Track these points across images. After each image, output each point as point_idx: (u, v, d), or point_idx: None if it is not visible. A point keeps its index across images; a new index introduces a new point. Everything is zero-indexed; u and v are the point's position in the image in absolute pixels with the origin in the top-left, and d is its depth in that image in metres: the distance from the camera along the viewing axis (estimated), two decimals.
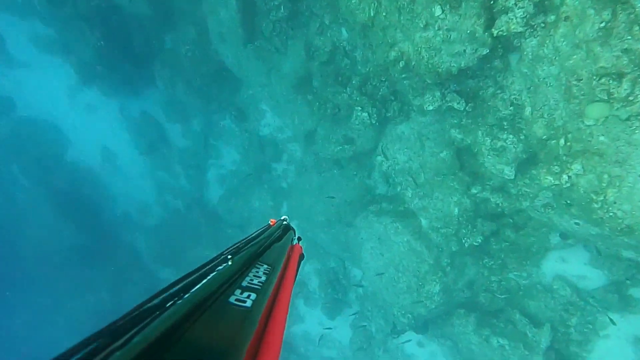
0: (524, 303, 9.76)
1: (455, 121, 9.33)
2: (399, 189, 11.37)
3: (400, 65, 8.89)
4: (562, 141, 6.26)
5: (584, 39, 5.46)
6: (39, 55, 19.76)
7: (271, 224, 2.02)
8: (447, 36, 7.42)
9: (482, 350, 10.32)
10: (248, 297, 1.09)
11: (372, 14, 8.65)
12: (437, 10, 7.21)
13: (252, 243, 1.56)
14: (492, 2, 6.58)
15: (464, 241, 9.88)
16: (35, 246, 20.59)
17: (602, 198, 5.79)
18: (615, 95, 5.32)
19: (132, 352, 0.70)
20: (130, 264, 20.40)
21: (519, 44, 6.85)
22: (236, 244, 1.51)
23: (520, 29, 6.47)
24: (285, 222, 2.10)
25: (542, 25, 6.25)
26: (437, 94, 8.98)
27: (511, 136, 8.07)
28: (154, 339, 0.76)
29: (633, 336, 8.28)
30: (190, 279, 1.11)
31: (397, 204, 11.71)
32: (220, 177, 18.03)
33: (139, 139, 19.22)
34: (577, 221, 7.02)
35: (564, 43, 5.78)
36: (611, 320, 8.23)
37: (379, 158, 11.62)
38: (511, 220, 9.59)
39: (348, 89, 11.42)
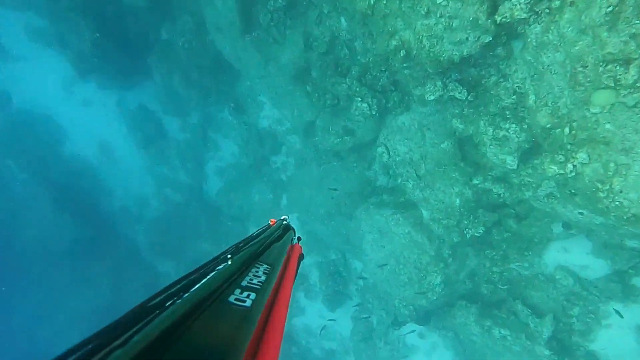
0: (525, 293, 9.73)
1: (457, 111, 9.20)
2: (399, 181, 11.28)
3: (401, 55, 8.75)
4: (566, 130, 6.16)
5: (590, 24, 5.33)
6: (34, 48, 19.49)
7: (271, 223, 2.02)
8: (449, 24, 7.28)
9: (484, 341, 10.32)
10: (248, 296, 1.09)
11: (372, 2, 8.48)
12: None
13: (251, 243, 1.57)
14: None
15: (465, 232, 9.81)
16: (33, 240, 20.49)
17: (607, 187, 5.71)
18: (622, 82, 5.21)
19: (131, 351, 0.70)
20: (130, 257, 20.34)
21: (523, 31, 6.72)
22: (236, 243, 1.52)
23: (524, 15, 6.34)
24: (285, 222, 2.11)
25: (547, 11, 6.11)
26: (439, 83, 8.85)
27: (514, 125, 7.97)
28: (154, 338, 0.76)
29: (636, 325, 8.26)
30: (189, 278, 1.10)
31: (397, 196, 11.63)
32: (219, 170, 17.90)
33: (137, 132, 19.05)
34: (581, 211, 6.94)
35: (570, 29, 5.66)
36: (617, 312, 8.18)
37: (380, 149, 11.50)
38: (513, 211, 9.51)
39: (347, 79, 11.27)
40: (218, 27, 13.63)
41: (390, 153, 11.25)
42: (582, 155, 5.92)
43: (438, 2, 7.12)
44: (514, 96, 7.63)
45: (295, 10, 12.05)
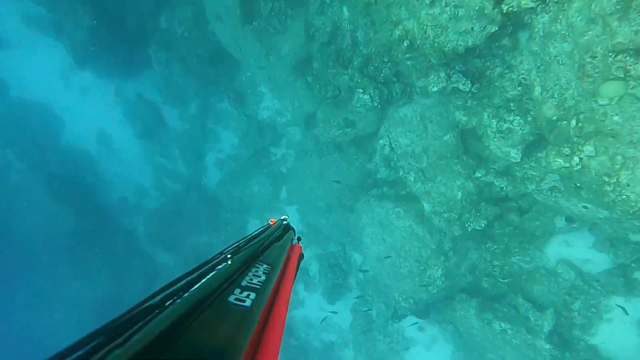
0: (527, 287, 9.68)
1: (460, 103, 9.07)
2: (401, 173, 11.19)
3: (405, 45, 8.61)
4: (573, 122, 6.05)
5: (600, 13, 5.20)
6: (30, 35, 19.25)
7: (271, 223, 2.02)
8: (455, 13, 7.14)
9: (484, 335, 10.30)
10: (247, 296, 1.09)
11: None
12: None
13: (251, 242, 1.57)
14: None
15: (467, 226, 9.74)
16: (31, 230, 20.40)
17: (614, 180, 5.62)
18: (632, 73, 5.10)
19: (131, 351, 0.70)
20: (129, 248, 20.27)
21: (530, 21, 6.58)
22: (236, 243, 1.51)
23: (531, 5, 6.21)
24: (285, 222, 2.10)
25: None
26: (442, 74, 8.71)
27: (518, 118, 7.85)
28: (154, 337, 0.76)
29: (637, 320, 8.23)
30: (189, 278, 1.10)
31: (399, 188, 11.55)
32: (218, 161, 17.78)
33: (135, 122, 18.87)
34: (585, 204, 6.86)
35: (579, 18, 5.53)
36: (623, 309, 8.14)
37: (381, 142, 11.39)
38: (515, 204, 9.44)
39: (349, 70, 11.12)
40: (218, 16, 13.43)
41: (392, 145, 11.14)
42: (588, 148, 5.82)
43: None
44: (519, 88, 7.51)
45: (296, 0, 11.87)
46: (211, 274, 1.13)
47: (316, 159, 13.72)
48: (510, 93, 7.77)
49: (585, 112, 5.85)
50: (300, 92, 12.89)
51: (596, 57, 5.39)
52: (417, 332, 12.98)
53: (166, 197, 19.63)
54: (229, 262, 1.24)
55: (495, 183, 9.17)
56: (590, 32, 5.37)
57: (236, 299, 1.05)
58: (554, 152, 6.54)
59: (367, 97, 10.93)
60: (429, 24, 7.64)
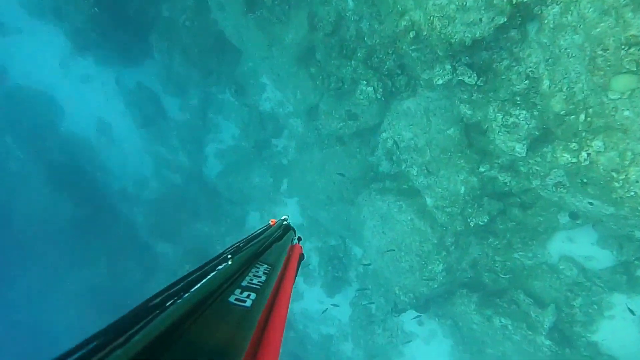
0: (528, 283, 9.64)
1: (465, 96, 8.95)
2: (403, 167, 11.10)
3: (411, 36, 8.46)
4: (582, 116, 5.95)
5: (613, 4, 5.07)
6: (30, 21, 19.00)
7: (271, 223, 2.03)
8: (463, 3, 7.00)
9: (484, 330, 10.28)
10: (248, 296, 1.10)
11: None
12: None
13: (252, 243, 1.57)
14: None
15: (469, 220, 9.67)
16: (30, 218, 20.35)
17: (623, 177, 5.52)
18: None
19: (132, 351, 0.70)
20: (128, 238, 20.20)
21: (540, 12, 6.44)
22: (236, 243, 1.52)
23: None
24: (285, 222, 2.12)
25: None
26: (448, 67, 8.58)
27: (524, 112, 7.74)
28: (154, 337, 0.76)
29: (639, 317, 8.18)
30: (190, 278, 1.10)
31: (401, 182, 11.46)
32: (219, 152, 17.66)
33: (136, 111, 18.68)
34: (591, 201, 6.77)
35: (591, 9, 5.40)
36: (630, 310, 8.07)
37: (384, 135, 11.28)
38: (519, 200, 9.36)
39: (353, 62, 10.96)
40: (220, 5, 13.23)
41: (395, 138, 11.03)
42: (597, 143, 5.72)
43: None
44: (527, 81, 7.38)
45: None
46: (212, 274, 1.13)
47: (318, 151, 13.61)
48: (517, 86, 7.65)
49: (594, 107, 5.74)
50: (302, 84, 12.75)
51: (608, 49, 5.27)
52: (416, 326, 12.97)
53: (166, 188, 19.53)
54: (230, 263, 1.24)
55: (499, 178, 9.08)
56: (602, 24, 5.24)
57: (236, 299, 1.06)
58: (561, 147, 6.44)
59: (370, 89, 10.80)
60: (435, 14, 7.49)
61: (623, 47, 5.11)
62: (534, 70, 7.08)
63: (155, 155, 19.45)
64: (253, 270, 1.32)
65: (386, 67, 10.62)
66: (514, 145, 8.06)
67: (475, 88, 8.58)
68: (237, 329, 0.93)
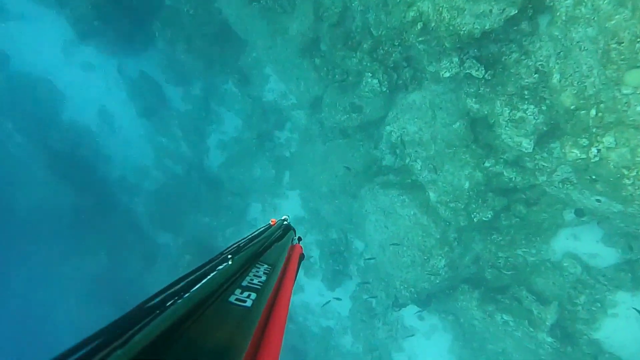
0: (531, 280, 9.56)
1: (472, 90, 8.81)
2: (407, 161, 10.99)
3: (418, 27, 8.31)
4: (593, 111, 5.83)
5: None
6: (32, 6, 18.81)
7: (272, 223, 2.04)
8: None
9: (485, 326, 10.24)
10: (248, 296, 1.10)
11: None
12: None
13: (252, 243, 1.58)
14: None
15: (473, 216, 9.58)
16: (30, 204, 20.33)
17: (634, 173, 5.42)
18: None
19: (132, 351, 0.70)
20: (128, 227, 20.17)
21: (552, 4, 6.30)
22: (236, 243, 1.53)
23: None
24: (286, 222, 2.14)
25: None
26: (455, 59, 8.44)
27: (532, 106, 7.61)
28: (155, 337, 0.76)
29: None
30: (190, 278, 1.10)
31: (404, 176, 11.36)
32: (221, 143, 17.55)
33: (138, 100, 18.56)
34: (598, 198, 6.68)
35: (606, 1, 5.26)
36: (637, 310, 7.99)
37: (388, 128, 11.16)
38: (523, 196, 9.26)
39: (358, 53, 10.81)
40: None
41: (399, 132, 10.92)
42: (608, 139, 5.61)
43: None
44: (536, 75, 7.25)
45: None
46: (212, 274, 1.13)
47: (320, 144, 13.50)
48: (526, 80, 7.52)
49: (606, 102, 5.63)
50: (306, 75, 12.62)
51: (622, 43, 5.14)
52: (417, 321, 12.94)
53: (167, 178, 19.47)
54: (230, 262, 1.24)
55: (505, 173, 8.97)
56: (617, 16, 5.11)
57: (237, 299, 1.06)
58: (570, 143, 6.32)
59: (375, 81, 10.66)
60: (444, 5, 7.35)
61: (638, 40, 4.98)
62: (544, 63, 6.95)
63: (156, 145, 19.36)
64: (253, 270, 1.32)
65: (392, 59, 10.48)
66: (520, 140, 7.94)
67: (483, 82, 8.44)
68: (237, 328, 0.93)
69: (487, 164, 9.14)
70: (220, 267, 1.21)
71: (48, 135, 19.69)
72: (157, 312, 0.87)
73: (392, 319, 13.40)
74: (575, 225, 8.67)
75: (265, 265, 1.40)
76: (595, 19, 5.46)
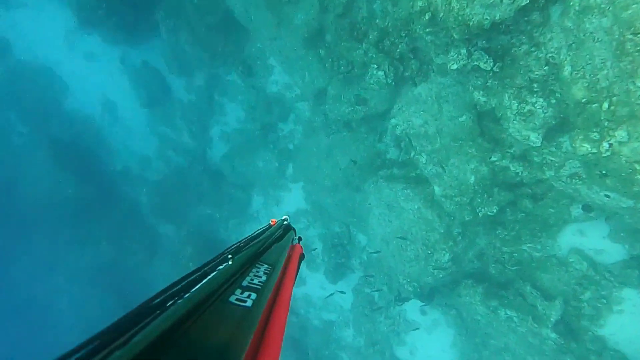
0: (536, 276, 9.48)
1: (480, 82, 8.66)
2: (412, 154, 10.88)
3: (426, 18, 8.17)
4: (605, 105, 5.69)
5: None
6: None
7: (272, 223, 2.04)
8: None
9: (489, 321, 10.18)
10: (248, 296, 1.10)
11: None
12: None
13: (252, 243, 1.58)
14: None
15: (478, 211, 9.48)
16: (33, 194, 20.35)
17: None
18: None
19: (132, 351, 0.70)
20: (130, 218, 20.17)
21: None
22: (237, 243, 1.53)
23: None
24: (286, 222, 2.14)
25: None
26: (463, 51, 8.29)
27: (541, 100, 7.47)
28: (155, 338, 0.76)
29: None
30: (190, 278, 1.10)
31: (409, 170, 11.26)
32: (224, 134, 17.44)
33: (141, 90, 18.45)
34: (608, 193, 6.56)
35: None
36: None
37: (393, 121, 11.03)
38: (530, 191, 9.13)
39: (364, 44, 10.66)
40: None
41: (404, 125, 10.79)
42: (621, 133, 5.48)
43: None
44: (546, 67, 7.10)
45: None
46: (212, 274, 1.13)
47: (324, 136, 13.38)
48: (536, 73, 7.37)
49: (619, 95, 5.49)
50: (311, 66, 12.47)
51: (639, 34, 4.99)
52: (419, 315, 12.90)
53: (170, 169, 19.41)
54: (230, 262, 1.24)
55: (511, 168, 8.85)
56: (635, 5, 4.96)
57: (237, 299, 1.06)
58: (580, 137, 6.19)
59: (381, 73, 10.51)
60: None
61: None
62: (554, 55, 6.80)
63: (159, 136, 19.28)
64: (254, 270, 1.32)
65: (398, 50, 10.31)
66: (528, 134, 7.81)
67: (491, 74, 8.29)
68: (237, 329, 0.93)
69: (493, 158, 9.03)
70: (221, 267, 1.21)
71: (51, 125, 19.64)
72: (158, 312, 0.87)
73: (394, 313, 13.37)
74: (582, 221, 8.55)
75: (266, 265, 1.40)
76: (611, 9, 5.31)
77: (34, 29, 19.34)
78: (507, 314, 9.63)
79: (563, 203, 8.56)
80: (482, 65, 8.12)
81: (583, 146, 6.13)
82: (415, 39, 9.79)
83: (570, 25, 6.13)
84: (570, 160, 7.51)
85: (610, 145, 5.65)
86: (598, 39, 5.63)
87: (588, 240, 8.72)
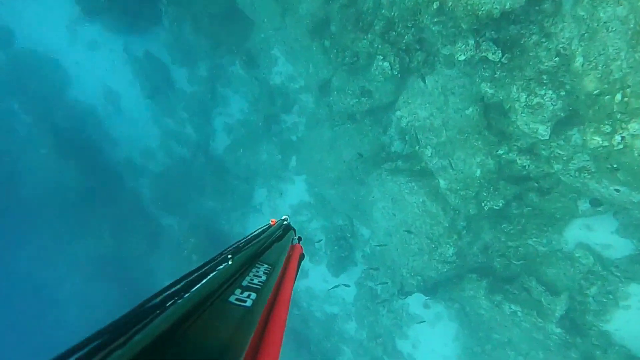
0: (541, 270, 9.39)
1: (487, 74, 8.51)
2: (417, 147, 10.76)
3: (434, 7, 8.01)
4: (618, 96, 5.56)
5: None
6: None
7: (272, 223, 2.05)
8: None
9: (492, 316, 10.12)
10: (248, 296, 1.10)
11: None
12: None
13: (252, 242, 1.58)
14: None
15: (483, 204, 9.38)
16: (36, 184, 20.37)
17: None
18: None
19: (132, 351, 0.70)
20: (133, 209, 20.13)
21: None
22: (236, 243, 1.52)
23: None
24: (286, 222, 2.14)
25: None
26: (471, 42, 8.12)
27: (550, 92, 7.33)
28: (155, 337, 0.76)
29: None
30: (190, 278, 1.10)
31: (414, 163, 11.14)
32: (227, 126, 17.31)
33: (143, 80, 18.31)
34: (618, 187, 6.45)
35: None
36: None
37: (399, 113, 10.90)
38: (536, 184, 9.01)
39: (369, 35, 10.48)
40: None
41: (410, 117, 10.66)
42: (634, 126, 5.35)
43: None
44: (557, 58, 6.95)
45: None
46: (212, 274, 1.13)
47: (328, 128, 13.25)
48: (546, 64, 7.22)
49: (633, 86, 5.35)
50: (315, 57, 12.31)
51: None
52: (422, 309, 12.86)
53: (172, 160, 19.32)
54: (230, 262, 1.25)
55: (518, 161, 8.73)
56: None
57: (237, 299, 1.06)
58: (591, 130, 6.07)
59: (386, 64, 10.35)
60: None
61: None
62: (566, 46, 6.65)
63: (162, 127, 19.16)
64: (253, 270, 1.31)
65: (404, 41, 10.14)
66: (537, 127, 7.68)
67: (499, 65, 8.14)
68: (237, 328, 0.93)
69: (500, 152, 8.90)
70: (220, 267, 1.21)
71: (53, 114, 19.57)
72: (157, 312, 0.87)
73: (397, 306, 13.33)
74: (589, 215, 8.44)
75: (265, 265, 1.40)
76: None
77: (37, 17, 19.17)
78: (511, 308, 9.56)
79: (570, 197, 8.45)
80: (490, 56, 7.97)
81: (594, 139, 6.01)
82: (422, 30, 9.63)
83: (583, 14, 5.97)
84: (579, 154, 7.40)
85: (623, 138, 5.53)
86: (612, 28, 5.49)
87: (595, 234, 8.61)
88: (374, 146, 12.20)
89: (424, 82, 10.04)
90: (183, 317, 0.86)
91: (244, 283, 1.18)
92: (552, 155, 7.99)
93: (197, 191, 18.53)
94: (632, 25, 5.14)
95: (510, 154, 8.83)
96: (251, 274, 1.27)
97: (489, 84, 8.48)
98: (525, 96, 7.67)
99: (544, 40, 7.13)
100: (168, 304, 0.92)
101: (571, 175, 7.64)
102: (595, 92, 5.96)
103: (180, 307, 0.90)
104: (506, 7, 6.76)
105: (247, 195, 17.37)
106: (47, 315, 22.51)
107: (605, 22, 5.57)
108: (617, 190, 6.54)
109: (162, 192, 19.48)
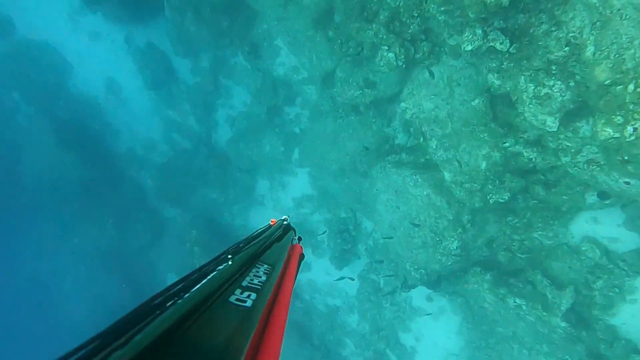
0: (546, 264, 9.30)
1: (495, 65, 8.36)
2: (421, 139, 10.64)
3: None
4: (631, 86, 5.42)
5: None
6: None
7: (272, 223, 2.05)
8: None
9: (497, 309, 10.06)
10: (248, 296, 1.10)
11: None
12: None
13: (252, 243, 1.58)
14: None
15: (488, 197, 9.27)
16: (38, 174, 20.35)
17: None
18: None
19: (132, 351, 0.71)
20: (135, 200, 20.12)
21: None
22: (236, 243, 1.53)
23: None
24: (286, 222, 2.15)
25: None
26: (479, 31, 7.97)
27: (559, 82, 7.18)
28: (155, 338, 0.76)
29: None
30: (190, 278, 1.10)
31: (418, 155, 11.03)
32: (229, 118, 17.19)
33: (145, 71, 18.18)
34: (628, 180, 6.33)
35: None
36: None
37: (403, 105, 10.76)
38: (543, 177, 8.89)
39: (374, 25, 10.31)
40: None
41: (414, 109, 10.52)
42: None
43: None
44: (567, 48, 6.79)
45: None
46: (212, 274, 1.12)
47: (331, 120, 13.13)
48: (555, 54, 7.06)
49: None
50: (319, 48, 12.17)
51: None
52: (425, 301, 12.82)
53: (175, 152, 19.24)
54: (230, 263, 1.24)
55: (524, 154, 8.60)
56: None
57: (237, 299, 1.06)
58: (602, 121, 5.93)
59: (391, 55, 10.17)
60: None
61: None
62: (576, 35, 6.49)
63: (164, 119, 19.06)
64: (253, 270, 1.32)
65: (410, 31, 9.98)
66: (545, 118, 7.54)
67: (507, 55, 7.98)
68: (237, 329, 0.93)
69: (506, 144, 8.77)
70: (221, 267, 1.20)
71: (55, 104, 19.49)
72: (158, 312, 0.86)
73: (399, 299, 13.29)
74: (597, 208, 8.33)
75: (266, 265, 1.40)
76: None
77: (38, 7, 18.99)
78: (515, 302, 9.50)
79: (577, 190, 8.33)
80: (498, 46, 7.82)
81: (605, 131, 5.88)
82: (428, 19, 9.46)
83: (595, 1, 5.81)
84: (588, 146, 7.27)
85: (635, 129, 5.40)
86: (626, 15, 5.34)
87: (602, 228, 8.50)
88: (378, 138, 12.09)
89: (432, 75, 9.88)
90: (183, 317, 0.86)
91: (244, 283, 1.18)
92: (559, 147, 7.86)
93: (199, 183, 18.48)
94: None
95: (516, 146, 8.70)
96: (251, 274, 1.27)
97: (496, 74, 8.32)
98: (533, 87, 7.53)
99: (553, 29, 6.97)
100: (168, 304, 0.91)
101: (579, 168, 7.52)
102: (606, 82, 5.82)
103: (180, 307, 0.90)
104: None
105: (250, 187, 17.29)
106: (48, 306, 22.64)
107: (618, 10, 5.42)
108: (627, 183, 6.42)
109: (164, 184, 19.44)
